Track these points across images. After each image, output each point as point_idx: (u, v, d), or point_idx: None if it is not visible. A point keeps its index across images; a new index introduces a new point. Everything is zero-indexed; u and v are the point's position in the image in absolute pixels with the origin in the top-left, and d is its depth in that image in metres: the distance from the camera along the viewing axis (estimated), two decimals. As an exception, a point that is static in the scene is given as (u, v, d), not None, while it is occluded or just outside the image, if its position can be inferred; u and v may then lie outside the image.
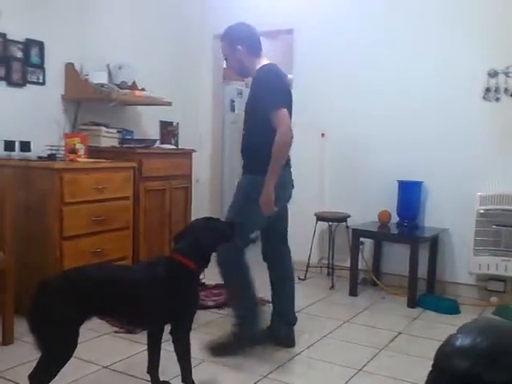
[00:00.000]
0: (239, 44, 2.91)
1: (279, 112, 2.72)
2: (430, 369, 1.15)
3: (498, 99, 3.95)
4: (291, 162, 3.03)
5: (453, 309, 3.75)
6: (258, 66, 2.90)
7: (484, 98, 3.98)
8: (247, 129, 2.98)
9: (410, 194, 4.19)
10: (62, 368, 2.05)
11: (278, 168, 2.74)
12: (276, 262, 3.13)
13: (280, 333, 3.07)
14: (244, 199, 2.90)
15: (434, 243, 4.13)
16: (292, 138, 2.77)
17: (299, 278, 4.50)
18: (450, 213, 4.12)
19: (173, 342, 2.31)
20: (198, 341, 2.60)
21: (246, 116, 3.00)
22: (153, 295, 2.21)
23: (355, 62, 4.48)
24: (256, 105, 2.85)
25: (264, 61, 2.94)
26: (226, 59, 3.15)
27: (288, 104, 2.87)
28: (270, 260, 3.12)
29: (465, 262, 4.05)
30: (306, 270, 4.51)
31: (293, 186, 3.05)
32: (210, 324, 3.35)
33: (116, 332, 3.13)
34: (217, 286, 3.92)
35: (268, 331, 3.09)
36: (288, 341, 3.05)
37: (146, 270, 2.29)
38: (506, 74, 3.90)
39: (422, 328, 3.44)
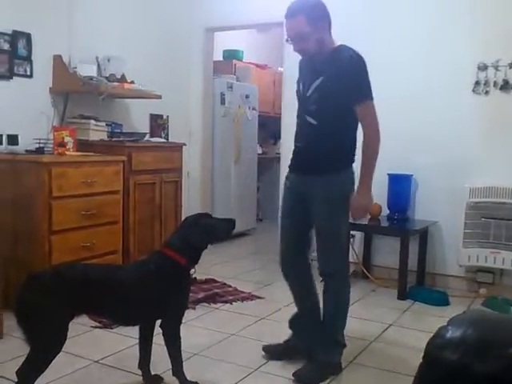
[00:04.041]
0: (322, 21, 2.50)
1: (372, 104, 2.45)
2: (421, 360, 1.15)
3: (487, 92, 3.96)
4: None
5: (442, 300, 3.77)
6: (334, 44, 2.54)
7: (473, 91, 3.99)
8: (320, 118, 2.51)
9: (399, 187, 4.20)
10: (50, 363, 2.03)
11: (374, 167, 2.46)
12: None
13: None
14: (346, 207, 2.54)
15: (424, 236, 4.15)
16: None
17: (290, 272, 4.51)
18: (439, 205, 4.14)
19: (163, 336, 2.31)
20: (188, 334, 2.60)
21: (315, 103, 2.52)
22: (144, 294, 2.21)
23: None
24: (339, 92, 2.44)
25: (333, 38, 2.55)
26: (297, 40, 2.50)
27: None
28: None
29: (454, 254, 4.07)
30: (297, 263, 4.51)
31: None
32: (200, 318, 3.34)
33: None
34: (207, 281, 3.92)
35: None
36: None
37: (137, 269, 2.30)
38: (496, 68, 3.90)
39: (412, 320, 3.45)
